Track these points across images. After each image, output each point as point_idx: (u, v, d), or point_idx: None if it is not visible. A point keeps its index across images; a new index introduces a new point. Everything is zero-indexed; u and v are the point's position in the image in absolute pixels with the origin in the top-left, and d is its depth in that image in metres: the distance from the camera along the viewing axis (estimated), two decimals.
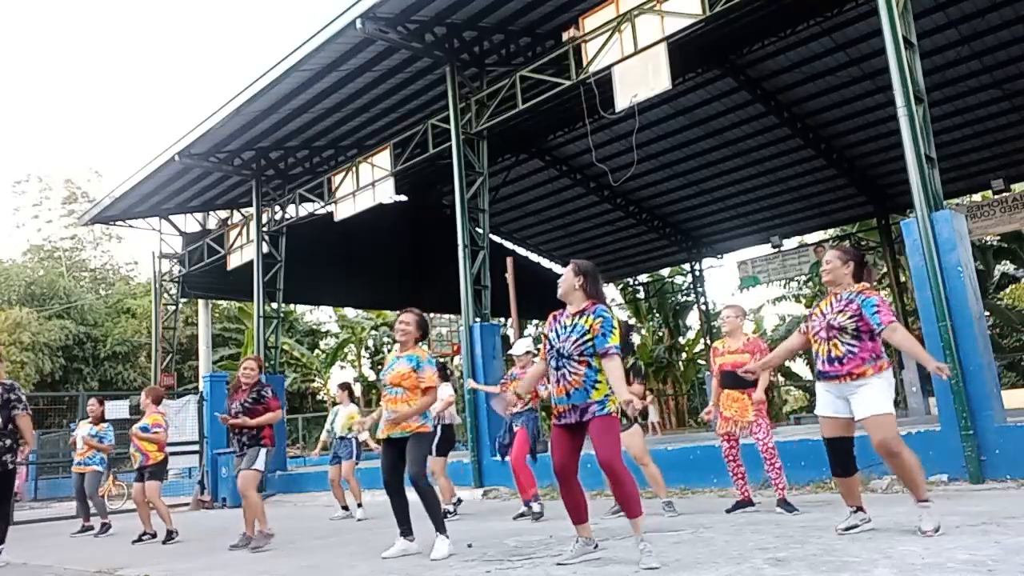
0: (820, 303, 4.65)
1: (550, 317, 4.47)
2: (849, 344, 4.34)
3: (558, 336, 4.28)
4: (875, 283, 4.74)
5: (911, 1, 7.93)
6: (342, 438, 9.22)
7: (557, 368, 4.24)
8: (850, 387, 4.35)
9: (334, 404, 9.83)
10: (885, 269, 21.87)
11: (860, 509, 4.56)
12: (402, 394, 5.19)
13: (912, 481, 4.31)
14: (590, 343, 4.17)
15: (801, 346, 4.77)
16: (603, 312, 4.24)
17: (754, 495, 6.30)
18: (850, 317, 4.35)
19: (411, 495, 5.20)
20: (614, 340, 4.15)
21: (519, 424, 7.14)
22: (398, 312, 5.49)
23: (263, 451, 6.37)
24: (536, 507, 6.87)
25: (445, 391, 7.91)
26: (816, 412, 4.59)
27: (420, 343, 5.43)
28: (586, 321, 4.22)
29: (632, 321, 27.87)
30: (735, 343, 6.11)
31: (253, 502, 6.36)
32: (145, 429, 8.12)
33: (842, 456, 4.50)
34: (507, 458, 7.21)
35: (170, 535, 7.79)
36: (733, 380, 5.93)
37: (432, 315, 22.56)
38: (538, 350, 5.28)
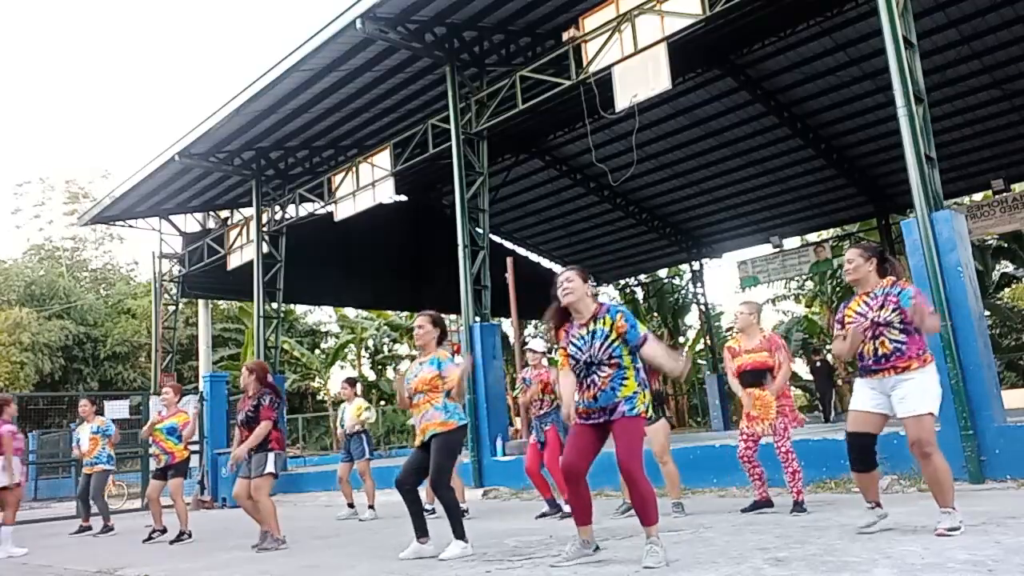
0: (849, 305, 4.56)
1: (561, 333, 4.41)
2: (897, 341, 4.29)
3: (580, 349, 4.23)
4: (904, 275, 4.64)
5: (911, 1, 7.93)
6: (352, 435, 9.06)
7: (587, 376, 4.22)
8: (893, 381, 4.30)
9: (338, 402, 9.77)
10: None
11: (878, 505, 4.55)
12: (423, 399, 5.19)
13: (940, 487, 4.23)
14: (617, 343, 4.17)
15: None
16: (617, 308, 4.26)
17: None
18: (893, 311, 4.31)
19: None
20: (643, 326, 4.26)
21: (547, 425, 7.15)
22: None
23: (271, 455, 6.31)
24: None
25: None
26: (850, 407, 4.53)
27: (442, 344, 5.40)
28: (604, 323, 4.21)
29: None
30: (751, 342, 5.98)
31: (266, 508, 6.26)
32: (172, 430, 8.05)
33: (862, 452, 4.46)
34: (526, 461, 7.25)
35: (180, 535, 7.76)
36: (755, 378, 5.88)
37: None
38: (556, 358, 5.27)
